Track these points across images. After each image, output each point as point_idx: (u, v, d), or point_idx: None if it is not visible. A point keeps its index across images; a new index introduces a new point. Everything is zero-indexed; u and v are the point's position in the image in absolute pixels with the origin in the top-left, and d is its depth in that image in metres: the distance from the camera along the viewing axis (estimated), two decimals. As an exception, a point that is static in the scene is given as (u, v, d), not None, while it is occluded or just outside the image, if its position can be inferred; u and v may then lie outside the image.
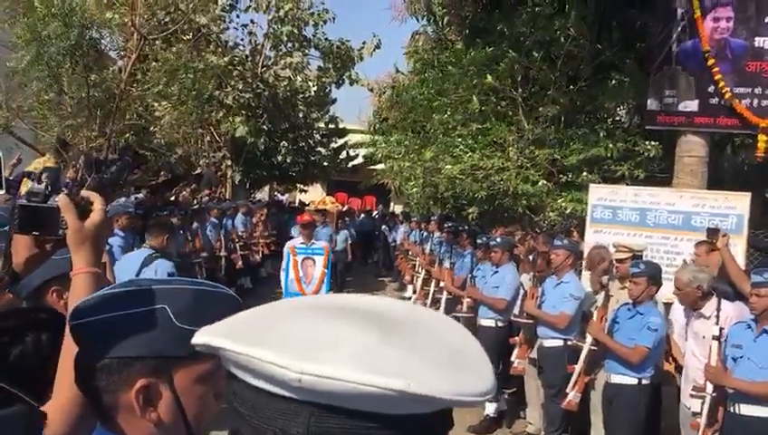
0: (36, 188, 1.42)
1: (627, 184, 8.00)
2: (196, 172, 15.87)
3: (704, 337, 4.73)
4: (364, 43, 17.43)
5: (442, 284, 8.71)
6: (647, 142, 8.81)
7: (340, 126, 21.34)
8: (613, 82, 8.73)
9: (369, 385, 0.58)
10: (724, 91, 7.96)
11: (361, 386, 0.58)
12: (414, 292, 12.01)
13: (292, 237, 13.74)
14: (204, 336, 0.66)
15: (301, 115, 18.80)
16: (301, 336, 0.63)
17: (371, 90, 17.69)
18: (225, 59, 15.36)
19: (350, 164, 23.13)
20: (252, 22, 17.30)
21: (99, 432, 1.17)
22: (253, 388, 0.64)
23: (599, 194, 7.13)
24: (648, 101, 8.52)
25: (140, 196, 10.26)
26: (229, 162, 16.81)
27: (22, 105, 11.39)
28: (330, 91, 19.36)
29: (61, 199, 1.40)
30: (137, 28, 11.93)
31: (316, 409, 0.61)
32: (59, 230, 1.41)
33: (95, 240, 1.43)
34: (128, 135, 12.66)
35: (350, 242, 15.32)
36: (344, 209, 20.11)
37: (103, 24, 11.51)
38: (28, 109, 11.58)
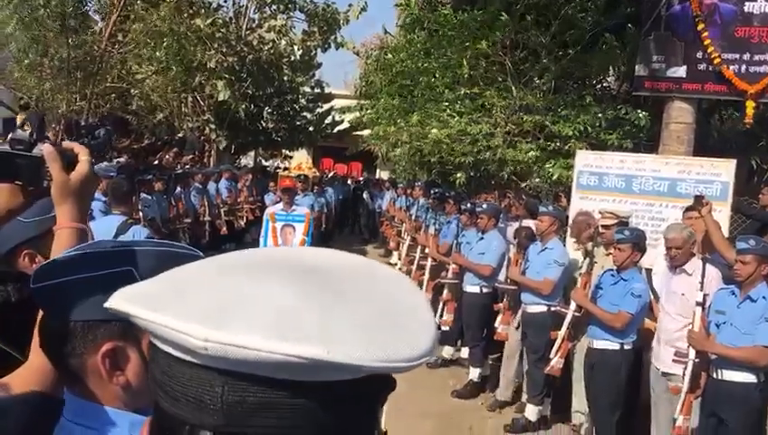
0: (20, 135, 1.33)
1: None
2: (179, 136, 15.67)
3: (682, 294, 4.77)
4: (350, 5, 17.12)
5: (427, 250, 8.70)
6: (638, 111, 8.75)
7: (326, 91, 21.09)
8: (604, 47, 8.62)
9: (279, 353, 0.52)
10: (713, 56, 7.91)
11: (271, 355, 0.52)
12: (399, 258, 12.03)
13: (259, 202, 13.62)
14: (113, 299, 0.61)
15: (285, 79, 18.54)
16: (213, 299, 0.57)
17: (357, 53, 17.45)
18: (209, 21, 15.07)
19: (335, 129, 22.93)
20: (236, -18, 16.92)
21: (66, 397, 1.14)
22: (166, 354, 0.58)
23: (585, 160, 7.10)
24: (637, 66, 8.46)
25: (122, 160, 10.11)
26: (213, 126, 16.60)
27: (1, 67, 11.17)
28: (315, 54, 19.06)
29: (46, 149, 1.32)
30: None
31: (230, 378, 0.55)
32: (43, 181, 1.34)
33: (80, 194, 1.37)
34: (110, 96, 12.45)
35: (325, 211, 15.01)
36: (330, 175, 19.98)
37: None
38: (9, 71, 11.35)
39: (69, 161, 1.35)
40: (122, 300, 0.60)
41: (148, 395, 1.11)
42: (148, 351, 0.62)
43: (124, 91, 13.63)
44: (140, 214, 7.80)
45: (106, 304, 0.62)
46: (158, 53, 12.92)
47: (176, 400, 0.58)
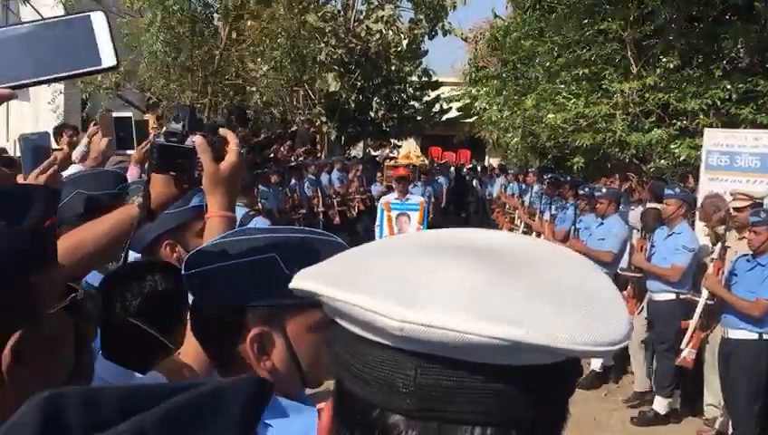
0: (173, 128, 1.39)
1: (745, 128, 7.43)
2: (292, 130, 16.10)
3: None
4: (458, -9, 16.91)
5: (543, 237, 8.50)
6: None
7: (433, 78, 21.00)
8: (737, 18, 7.96)
9: (481, 335, 0.50)
10: None
11: (472, 336, 0.50)
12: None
13: (369, 192, 13.69)
14: (299, 280, 0.60)
15: (393, 69, 18.62)
16: (403, 279, 0.55)
17: (465, 39, 17.23)
18: (318, 15, 15.35)
19: (443, 117, 22.80)
20: (343, -25, 17.15)
21: (215, 381, 1.17)
22: (352, 335, 0.57)
23: (715, 139, 6.69)
24: (771, 35, 7.86)
25: (242, 153, 10.49)
26: (324, 119, 16.94)
27: (131, 69, 11.87)
28: (422, 42, 19.02)
29: (198, 140, 1.37)
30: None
31: (422, 360, 0.53)
32: (195, 172, 1.40)
33: (229, 183, 1.41)
34: (229, 93, 12.97)
35: (433, 200, 14.81)
36: (441, 163, 19.83)
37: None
38: (140, 73, 12.06)
39: (218, 151, 1.40)
40: (308, 280, 0.59)
41: (294, 380, 1.14)
42: (327, 332, 0.61)
43: (240, 87, 14.16)
44: (260, 205, 8.07)
45: (290, 285, 0.61)
46: (274, 53, 13.35)
47: (365, 383, 0.56)
